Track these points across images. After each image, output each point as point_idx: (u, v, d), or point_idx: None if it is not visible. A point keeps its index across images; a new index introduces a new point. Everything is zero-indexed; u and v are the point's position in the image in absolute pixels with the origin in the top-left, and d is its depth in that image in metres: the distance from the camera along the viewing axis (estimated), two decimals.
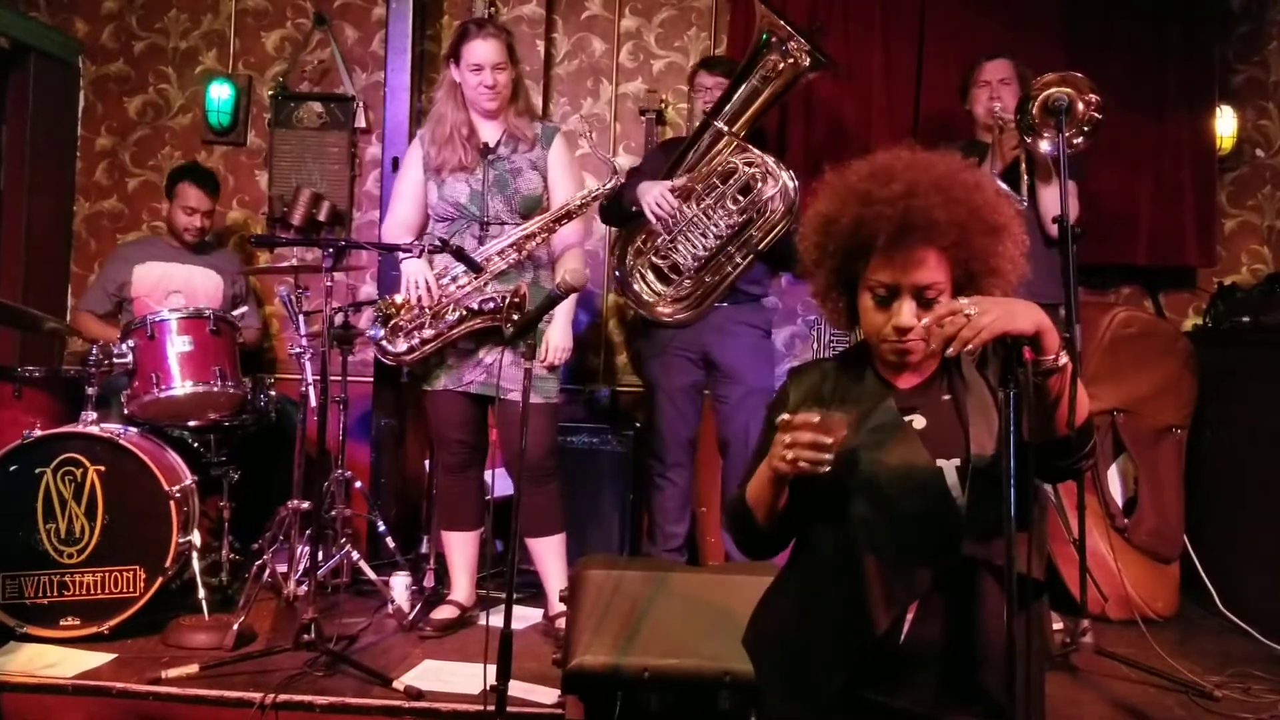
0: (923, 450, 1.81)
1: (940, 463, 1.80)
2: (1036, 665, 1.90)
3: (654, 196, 3.93)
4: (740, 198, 3.94)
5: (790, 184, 3.90)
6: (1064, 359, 1.69)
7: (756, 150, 3.95)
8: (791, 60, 3.90)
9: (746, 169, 3.94)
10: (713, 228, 3.94)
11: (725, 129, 3.96)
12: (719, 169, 3.95)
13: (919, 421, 1.86)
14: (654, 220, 3.94)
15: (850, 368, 1.97)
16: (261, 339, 4.98)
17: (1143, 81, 4.78)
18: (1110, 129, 4.50)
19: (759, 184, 3.92)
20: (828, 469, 1.69)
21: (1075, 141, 3.68)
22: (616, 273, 4.19)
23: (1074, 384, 1.72)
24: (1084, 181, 4.01)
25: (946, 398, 1.88)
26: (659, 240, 4.02)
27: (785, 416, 1.74)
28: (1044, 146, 3.72)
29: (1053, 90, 3.66)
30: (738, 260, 3.97)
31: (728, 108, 3.99)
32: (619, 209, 4.09)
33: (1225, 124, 4.93)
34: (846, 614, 1.80)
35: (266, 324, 5.08)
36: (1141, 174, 4.80)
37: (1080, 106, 3.67)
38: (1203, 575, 4.25)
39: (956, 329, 1.62)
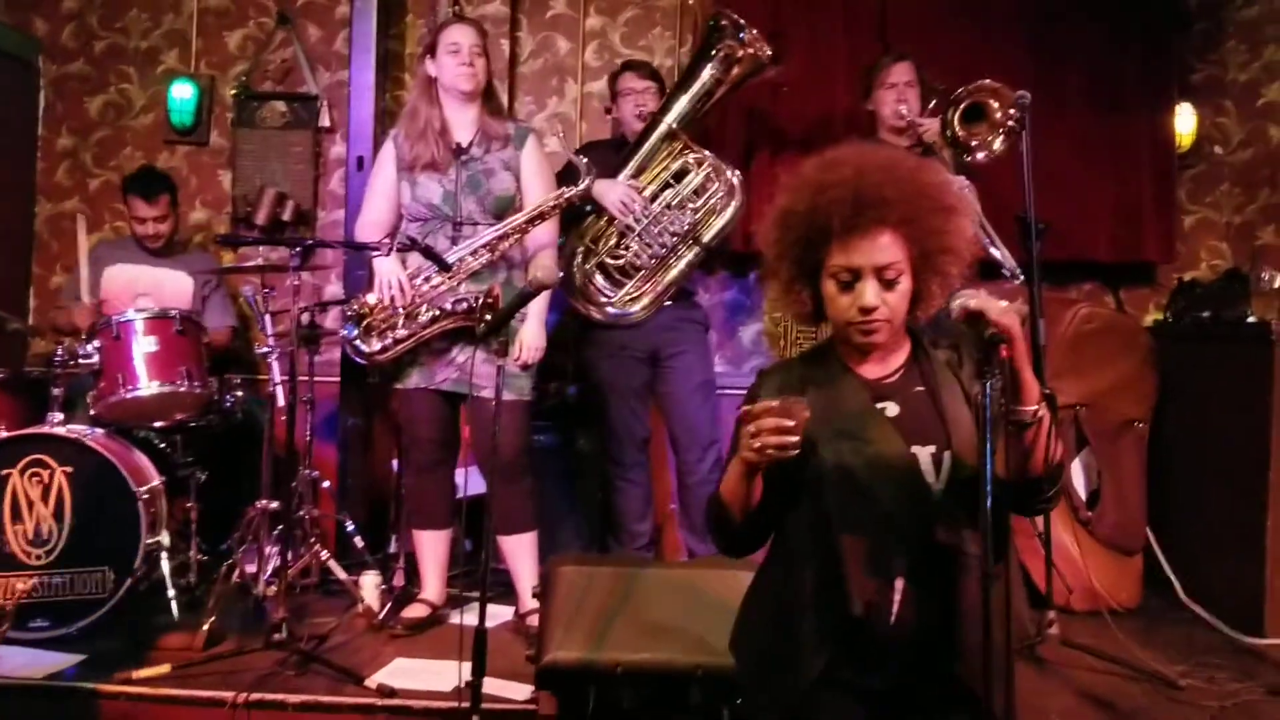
0: (896, 436, 1.86)
1: (914, 449, 1.85)
2: (1008, 651, 1.95)
3: (619, 195, 3.96)
4: (695, 197, 3.98)
5: (736, 181, 3.97)
6: (1043, 412, 1.78)
7: (703, 150, 4.01)
8: (751, 50, 3.93)
9: (698, 168, 3.99)
10: (669, 227, 3.98)
11: (676, 128, 3.99)
12: (671, 169, 3.98)
13: (891, 409, 1.91)
14: (619, 218, 3.98)
15: (818, 363, 2.01)
16: (233, 338, 4.93)
17: (1102, 80, 4.85)
18: (1071, 126, 4.58)
19: (711, 183, 3.97)
20: (795, 452, 1.73)
21: (995, 146, 3.82)
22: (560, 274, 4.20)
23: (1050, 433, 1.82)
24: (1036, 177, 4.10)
25: (920, 389, 1.92)
26: (612, 241, 4.05)
27: (745, 408, 1.78)
28: (979, 157, 3.84)
29: (970, 100, 3.82)
30: (688, 257, 4.01)
31: (679, 104, 4.03)
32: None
33: (1184, 121, 4.99)
34: (824, 597, 1.84)
35: (238, 325, 5.02)
36: (1102, 171, 4.85)
37: (996, 111, 3.82)
38: (1165, 566, 4.32)
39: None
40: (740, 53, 3.95)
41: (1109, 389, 4.33)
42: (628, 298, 4.08)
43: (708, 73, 4.01)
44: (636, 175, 4.06)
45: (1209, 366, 4.32)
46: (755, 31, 3.94)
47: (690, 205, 4.00)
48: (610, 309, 4.10)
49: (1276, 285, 4.13)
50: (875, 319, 1.87)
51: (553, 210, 3.69)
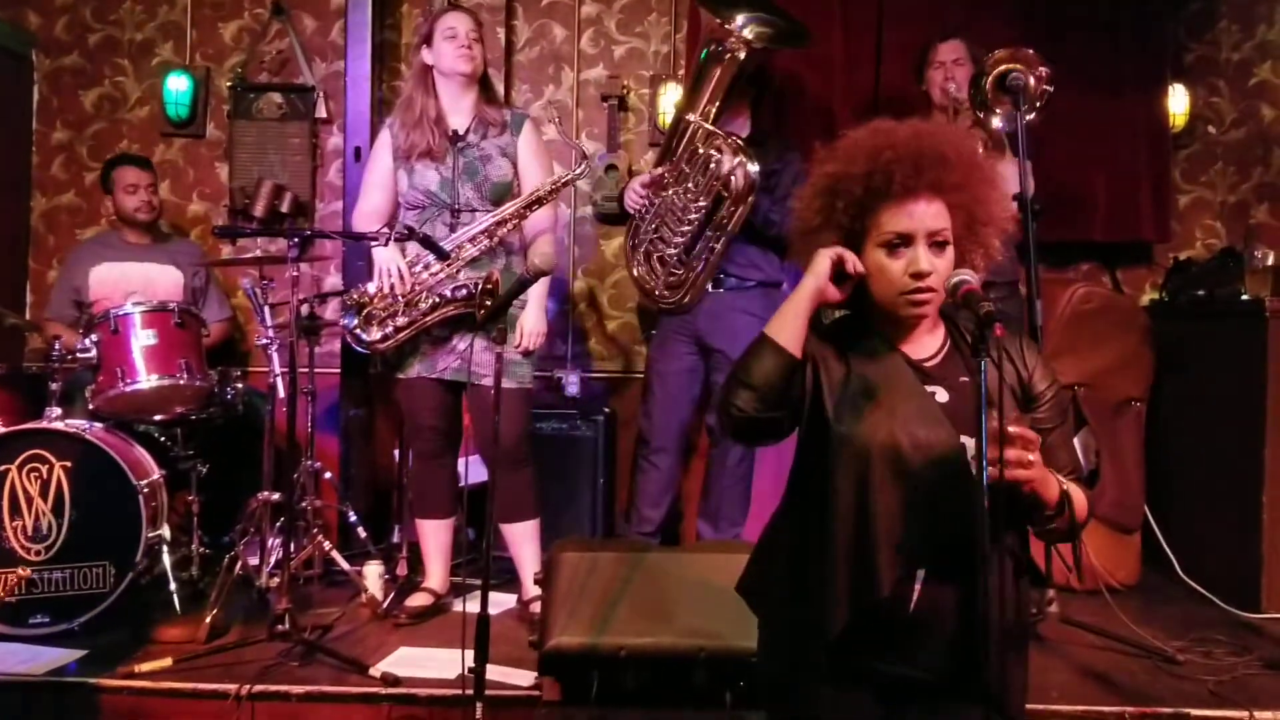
0: (946, 424, 1.84)
1: (964, 440, 1.82)
2: (1019, 639, 1.97)
3: (627, 190, 4.05)
4: (714, 183, 3.98)
5: (750, 164, 3.94)
6: (1063, 515, 1.81)
7: (720, 135, 3.99)
8: (730, 54, 3.94)
9: (713, 154, 3.98)
10: (686, 214, 3.98)
11: (693, 118, 4.00)
12: (687, 157, 3.99)
13: (941, 395, 1.89)
14: (631, 210, 4.05)
15: (854, 337, 1.97)
16: (230, 331, 4.94)
17: (1096, 60, 4.85)
18: (1065, 108, 4.58)
19: (723, 168, 3.97)
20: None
21: (1029, 117, 3.74)
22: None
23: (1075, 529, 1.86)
24: (1036, 158, 4.07)
25: (964, 379, 1.89)
26: (642, 231, 4.07)
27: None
28: (995, 123, 3.79)
29: (1005, 67, 3.73)
30: (714, 245, 4.00)
31: (698, 102, 4.04)
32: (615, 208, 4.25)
33: (1178, 102, 5.00)
34: (853, 570, 1.83)
35: (235, 316, 5.03)
36: (1097, 152, 4.86)
37: (1032, 82, 3.74)
38: (1163, 544, 4.33)
39: (1022, 461, 1.69)
40: (719, 67, 3.98)
41: (1106, 368, 4.34)
42: (666, 284, 4.10)
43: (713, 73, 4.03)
44: (658, 166, 4.08)
45: (1205, 345, 4.33)
46: (734, 38, 3.92)
47: (702, 190, 3.99)
48: (656, 293, 4.13)
49: (1270, 263, 4.14)
50: (928, 286, 1.84)
51: (549, 195, 3.70)
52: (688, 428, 4.34)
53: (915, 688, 1.87)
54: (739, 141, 3.90)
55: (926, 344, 1.94)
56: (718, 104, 3.99)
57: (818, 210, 1.94)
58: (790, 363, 1.85)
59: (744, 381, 1.86)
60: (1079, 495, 1.87)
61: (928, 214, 1.84)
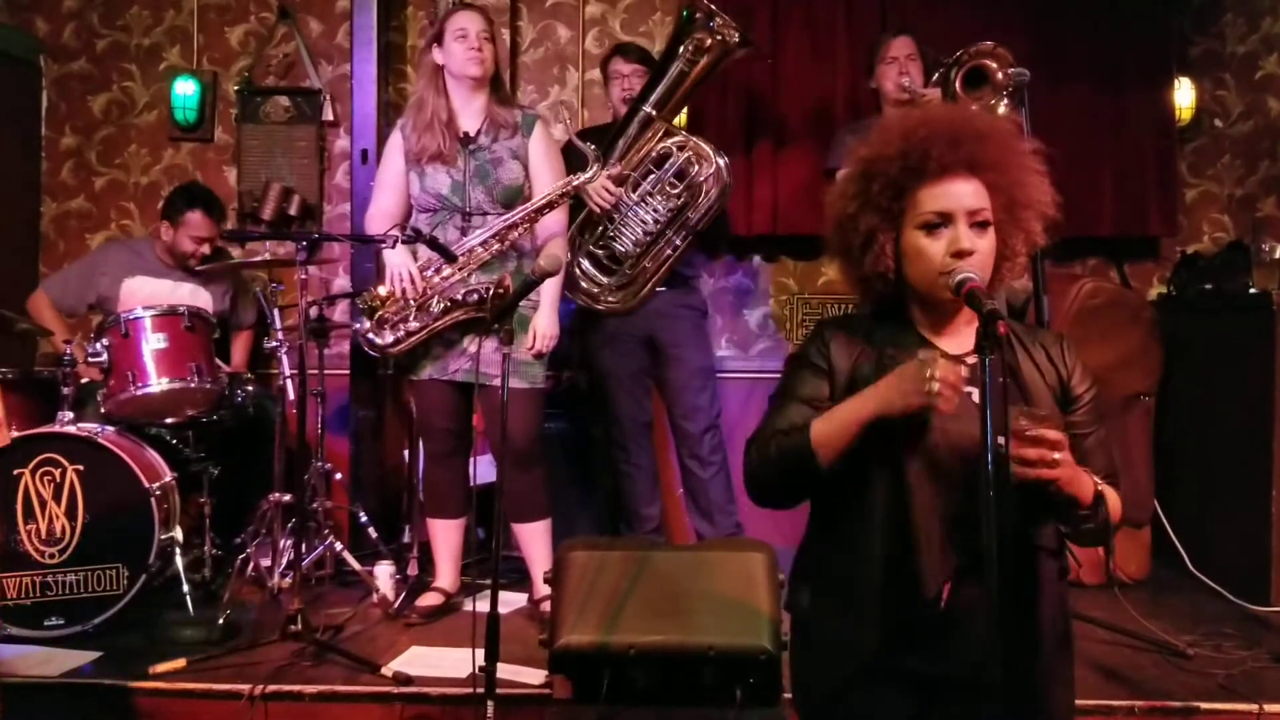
0: (978, 421, 1.74)
1: (1002, 440, 1.71)
2: (1063, 641, 1.94)
3: (596, 187, 3.94)
4: (677, 182, 4.00)
5: (723, 164, 3.98)
6: (1102, 512, 1.79)
7: (685, 133, 4.03)
8: (720, 37, 3.95)
9: (679, 153, 4.00)
10: (651, 213, 4.00)
11: (654, 114, 4.00)
12: (652, 154, 4.00)
13: (975, 395, 1.82)
14: (598, 210, 3.99)
15: (889, 327, 1.93)
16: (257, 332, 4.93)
17: (1102, 55, 4.85)
18: (1071, 103, 4.59)
19: (693, 166, 3.99)
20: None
21: (1000, 108, 3.79)
22: (565, 260, 4.20)
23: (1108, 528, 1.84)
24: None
25: (1000, 379, 1.85)
26: (598, 230, 4.07)
27: (925, 355, 1.72)
28: None
29: (974, 63, 3.82)
30: (676, 243, 4.03)
31: (656, 92, 4.04)
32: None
33: (1183, 95, 5.00)
34: (891, 576, 1.82)
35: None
36: (1103, 147, 4.87)
37: (998, 74, 3.81)
38: (1173, 538, 4.33)
39: (1046, 459, 1.67)
40: (709, 41, 3.97)
41: (1115, 363, 4.34)
42: (616, 285, 4.09)
43: (679, 60, 4.01)
44: (619, 162, 4.03)
45: (1213, 338, 4.34)
46: (724, 19, 3.94)
47: (672, 190, 4.01)
48: (602, 297, 4.11)
49: (1277, 256, 4.13)
50: (969, 262, 1.79)
51: (561, 198, 3.68)
52: (653, 423, 4.44)
53: (950, 687, 1.84)
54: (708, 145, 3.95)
55: (964, 337, 1.87)
56: (680, 93, 4.01)
57: (854, 195, 1.89)
58: (825, 466, 1.82)
59: (778, 482, 1.89)
60: (1113, 497, 1.85)
61: (966, 192, 1.81)
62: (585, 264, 4.11)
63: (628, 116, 4.09)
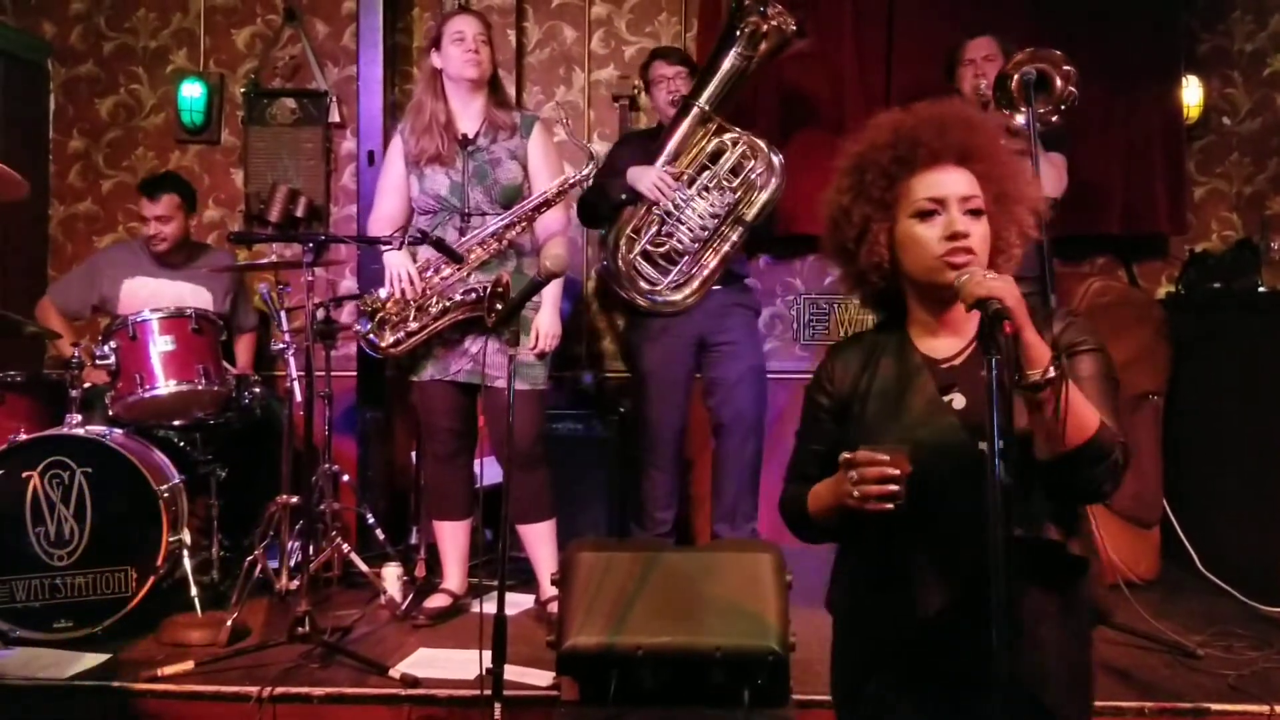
0: (962, 433, 1.79)
1: (981, 445, 1.69)
2: (1083, 644, 1.96)
3: (653, 179, 3.95)
4: (733, 176, 3.98)
5: (775, 159, 3.96)
6: (1053, 372, 1.65)
7: (737, 129, 4.00)
8: (775, 24, 3.92)
9: (734, 148, 3.99)
10: (709, 208, 3.97)
11: (708, 110, 3.99)
12: (707, 150, 3.98)
13: (958, 401, 1.84)
14: (658, 202, 3.97)
15: (889, 334, 1.95)
16: (260, 336, 4.94)
17: (1109, 53, 4.82)
18: (1080, 101, 4.56)
19: (747, 161, 3.98)
20: (901, 502, 1.69)
21: (1052, 119, 3.72)
22: (604, 263, 4.17)
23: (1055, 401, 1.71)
24: (1069, 155, 4.06)
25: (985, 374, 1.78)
26: (654, 228, 4.04)
27: (846, 455, 1.73)
28: (1018, 120, 3.75)
29: (1027, 66, 3.71)
30: (733, 239, 4.00)
31: (709, 88, 4.02)
32: (597, 206, 4.14)
33: (1191, 93, 4.99)
34: (897, 595, 1.83)
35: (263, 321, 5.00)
36: (1111, 145, 4.85)
37: (1059, 82, 3.72)
38: (1183, 538, 4.31)
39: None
40: (765, 27, 3.93)
41: (1123, 363, 4.26)
42: (673, 284, 4.06)
43: (735, 51, 3.98)
44: (673, 161, 4.03)
45: (1222, 337, 4.32)
46: (779, 6, 3.92)
47: (728, 185, 3.99)
48: (657, 296, 4.07)
49: None
50: (965, 247, 1.79)
51: (557, 197, 3.69)
52: (686, 430, 4.36)
53: (974, 685, 1.77)
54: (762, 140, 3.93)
55: (958, 335, 1.89)
56: (731, 88, 3.98)
57: (847, 188, 1.90)
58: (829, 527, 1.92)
59: (801, 534, 2.00)
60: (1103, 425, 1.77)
61: (958, 180, 1.82)
62: (640, 263, 4.08)
63: (679, 114, 4.07)
